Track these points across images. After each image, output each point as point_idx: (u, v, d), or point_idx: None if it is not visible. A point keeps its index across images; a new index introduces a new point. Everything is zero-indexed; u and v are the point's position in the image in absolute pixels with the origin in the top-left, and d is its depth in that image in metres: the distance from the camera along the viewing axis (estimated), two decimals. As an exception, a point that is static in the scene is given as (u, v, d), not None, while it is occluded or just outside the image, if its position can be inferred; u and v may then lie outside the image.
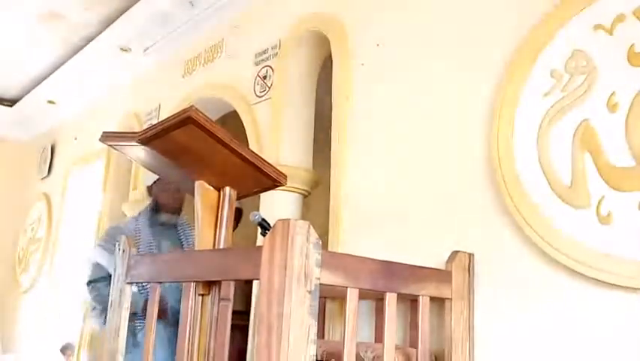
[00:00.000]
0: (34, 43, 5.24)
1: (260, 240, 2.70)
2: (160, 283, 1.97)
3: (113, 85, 5.32)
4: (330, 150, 2.78)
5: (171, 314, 2.61)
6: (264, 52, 3.47)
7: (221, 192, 1.90)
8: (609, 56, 1.83)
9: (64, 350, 4.82)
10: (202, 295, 1.81)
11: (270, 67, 3.39)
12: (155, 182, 2.97)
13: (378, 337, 2.21)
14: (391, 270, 1.79)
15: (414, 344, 1.94)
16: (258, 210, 2.37)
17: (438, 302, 1.97)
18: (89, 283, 2.80)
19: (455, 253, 2.02)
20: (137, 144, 1.83)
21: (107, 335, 2.13)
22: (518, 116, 2.02)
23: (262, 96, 3.37)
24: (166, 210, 2.94)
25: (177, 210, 2.96)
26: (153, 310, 1.96)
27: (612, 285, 1.70)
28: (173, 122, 1.72)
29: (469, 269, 2.03)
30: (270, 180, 1.87)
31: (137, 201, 4.48)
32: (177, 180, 2.09)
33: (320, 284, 1.51)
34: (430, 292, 1.90)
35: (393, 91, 2.58)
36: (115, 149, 2.05)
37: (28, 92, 6.33)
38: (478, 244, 2.06)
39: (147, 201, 3.16)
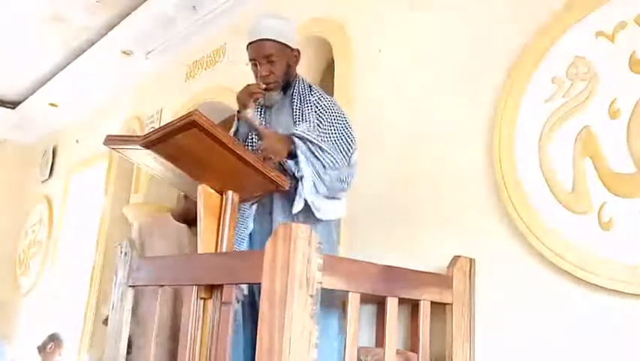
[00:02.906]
0: (37, 45, 5.26)
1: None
2: (161, 286, 1.97)
3: (115, 88, 5.33)
4: (331, 154, 2.78)
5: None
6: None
7: (224, 196, 1.90)
8: (611, 63, 1.84)
9: (44, 346, 4.48)
10: (204, 299, 1.81)
11: (272, 71, 3.39)
12: None
13: (379, 341, 2.21)
14: (392, 275, 1.79)
15: (414, 348, 1.94)
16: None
17: (439, 307, 1.97)
18: None
19: (456, 257, 2.02)
20: (140, 147, 1.84)
21: (108, 339, 2.13)
22: (519, 121, 2.03)
23: (264, 100, 3.37)
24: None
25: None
26: (158, 313, 1.96)
27: (613, 290, 1.71)
28: (176, 126, 1.72)
29: (470, 274, 2.03)
30: (272, 183, 1.88)
31: (139, 205, 4.49)
32: (180, 183, 2.09)
33: (321, 288, 1.52)
34: (431, 297, 1.90)
35: (395, 96, 2.58)
36: (118, 152, 2.06)
37: (30, 94, 6.34)
38: (479, 249, 2.07)
39: None
